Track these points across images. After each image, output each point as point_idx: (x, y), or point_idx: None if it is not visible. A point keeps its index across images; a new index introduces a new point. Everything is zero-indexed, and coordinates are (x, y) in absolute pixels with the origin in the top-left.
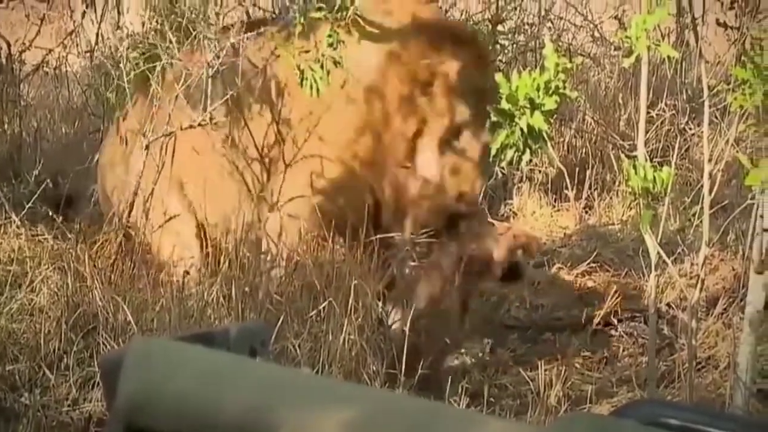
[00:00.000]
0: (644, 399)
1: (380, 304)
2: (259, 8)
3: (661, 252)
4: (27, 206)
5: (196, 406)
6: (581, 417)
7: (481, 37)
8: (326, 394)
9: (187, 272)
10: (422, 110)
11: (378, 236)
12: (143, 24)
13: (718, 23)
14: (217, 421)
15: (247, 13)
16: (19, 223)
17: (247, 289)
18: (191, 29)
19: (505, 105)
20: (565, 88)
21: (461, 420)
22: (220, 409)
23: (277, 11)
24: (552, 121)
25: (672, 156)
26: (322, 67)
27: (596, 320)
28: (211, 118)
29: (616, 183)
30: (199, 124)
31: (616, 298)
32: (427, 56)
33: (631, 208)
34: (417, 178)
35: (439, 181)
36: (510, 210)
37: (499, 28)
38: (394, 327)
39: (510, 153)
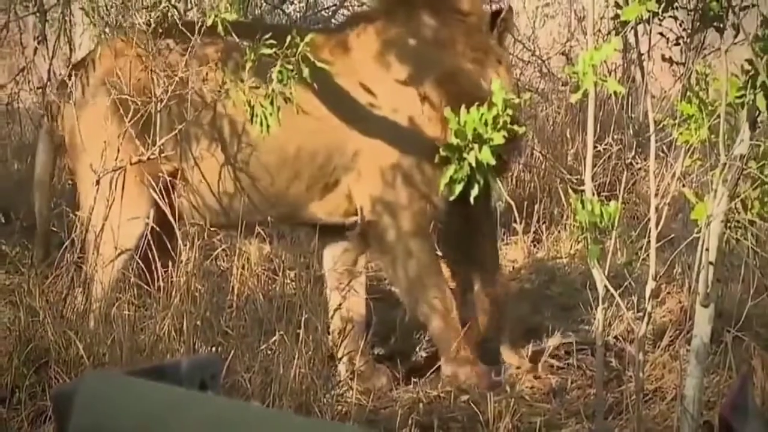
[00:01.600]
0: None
1: (330, 337)
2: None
3: (609, 285)
4: None
5: None
6: None
7: None
8: (277, 429)
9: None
10: None
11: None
12: None
13: (663, 59)
14: None
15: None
16: None
17: (198, 323)
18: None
19: (453, 140)
20: (512, 123)
21: None
22: None
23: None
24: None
25: (619, 190)
26: (272, 103)
27: (546, 353)
28: (160, 152)
29: (564, 217)
30: (148, 158)
31: (564, 331)
32: None
33: (578, 242)
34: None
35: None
36: None
37: None
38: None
39: (458, 187)
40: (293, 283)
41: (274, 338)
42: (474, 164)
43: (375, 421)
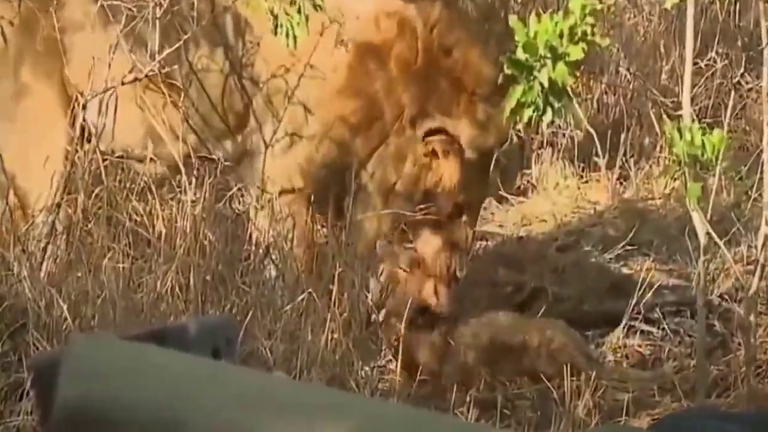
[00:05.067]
0: (691, 408)
1: (369, 296)
2: None
3: (712, 232)
4: None
5: (154, 422)
6: (614, 430)
7: None
8: (309, 406)
9: (135, 258)
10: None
11: (368, 215)
12: None
13: None
14: None
15: None
16: None
17: (208, 277)
18: None
19: (521, 55)
20: (593, 34)
21: None
22: (183, 424)
23: None
24: (578, 74)
25: (724, 116)
26: (299, 11)
27: (633, 315)
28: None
29: (657, 149)
30: (146, 76)
31: (658, 288)
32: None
33: (675, 179)
34: None
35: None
36: (528, 182)
37: None
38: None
39: (528, 112)
40: (324, 229)
41: (301, 296)
42: (546, 84)
43: (424, 399)
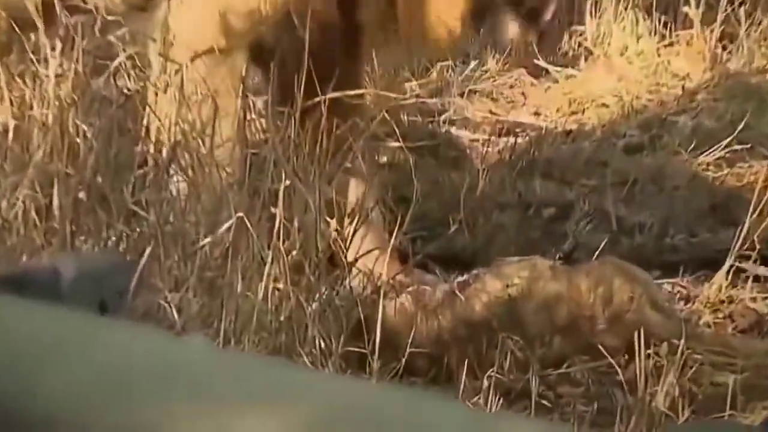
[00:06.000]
0: None
1: (334, 225)
2: None
3: None
4: None
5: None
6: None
7: None
8: (236, 389)
9: None
10: None
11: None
12: None
13: None
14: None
15: None
16: None
17: (82, 195)
18: None
19: None
20: None
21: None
22: (43, 400)
23: None
24: None
25: None
26: None
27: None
28: None
29: None
30: None
31: None
32: None
33: None
34: None
35: None
36: (580, 45)
37: None
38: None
39: None
40: (263, 120)
41: (226, 225)
42: None
43: (415, 383)
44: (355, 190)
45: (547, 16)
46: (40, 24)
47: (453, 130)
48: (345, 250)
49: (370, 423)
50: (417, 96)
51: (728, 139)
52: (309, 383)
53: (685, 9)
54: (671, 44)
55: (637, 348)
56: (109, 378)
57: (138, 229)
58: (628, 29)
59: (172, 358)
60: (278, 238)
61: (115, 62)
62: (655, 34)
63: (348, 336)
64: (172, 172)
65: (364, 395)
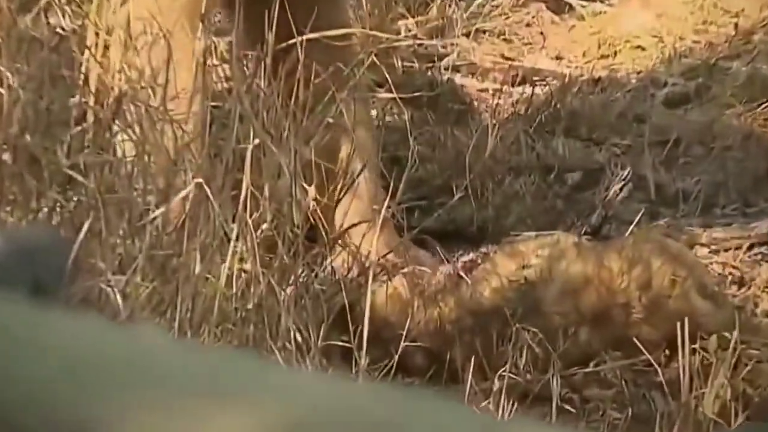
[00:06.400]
0: None
1: (313, 193)
2: None
3: None
4: None
5: None
6: None
7: None
8: (195, 387)
9: None
10: None
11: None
12: None
13: None
14: None
15: None
16: None
17: (7, 157)
18: None
19: None
20: None
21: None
22: None
23: None
24: None
25: None
26: None
27: None
28: None
29: None
30: None
31: None
32: None
33: None
34: None
35: None
36: None
37: None
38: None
39: None
40: (227, 66)
41: (182, 192)
42: None
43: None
44: (338, 150)
45: None
46: None
47: (457, 78)
48: (326, 224)
49: (353, 430)
50: (413, 37)
51: None
52: (282, 383)
53: None
54: None
55: (680, 342)
56: (46, 374)
57: (75, 199)
58: None
59: (118, 352)
60: (245, 209)
61: None
62: None
63: (330, 327)
64: (116, 129)
65: (349, 397)
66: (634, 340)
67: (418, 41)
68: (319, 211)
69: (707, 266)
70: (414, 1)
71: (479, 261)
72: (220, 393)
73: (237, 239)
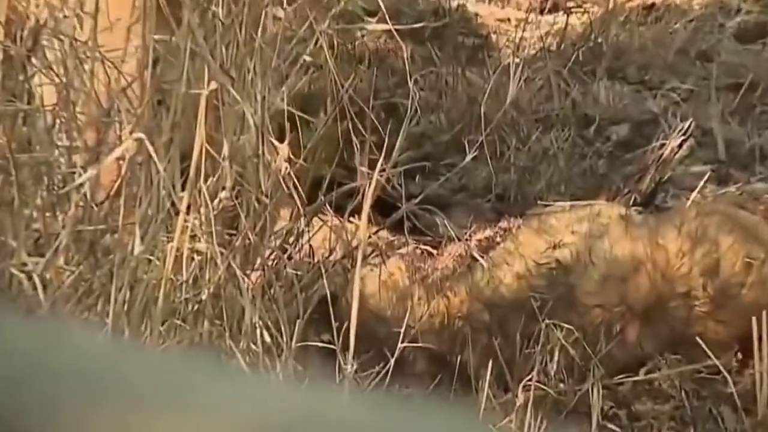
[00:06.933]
0: None
1: (286, 151)
2: None
3: None
4: None
5: None
6: None
7: None
8: (148, 394)
9: None
10: None
11: None
12: None
13: None
14: None
15: None
16: None
17: None
18: None
19: None
20: None
21: None
22: None
23: None
24: None
25: None
26: None
27: None
28: None
29: None
30: None
31: None
32: None
33: None
34: None
35: None
36: None
37: None
38: None
39: None
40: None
41: (119, 149)
42: None
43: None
44: (317, 97)
45: None
46: None
47: (469, 4)
48: (303, 191)
49: None
50: None
51: None
52: (245, 394)
53: None
54: None
55: (756, 343)
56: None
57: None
58: None
59: (34, 355)
60: (198, 172)
61: None
62: None
63: (307, 324)
64: (32, 69)
65: (330, 413)
66: (698, 340)
67: None
68: (293, 174)
69: None
70: None
71: (498, 239)
72: (161, 407)
73: (188, 211)
